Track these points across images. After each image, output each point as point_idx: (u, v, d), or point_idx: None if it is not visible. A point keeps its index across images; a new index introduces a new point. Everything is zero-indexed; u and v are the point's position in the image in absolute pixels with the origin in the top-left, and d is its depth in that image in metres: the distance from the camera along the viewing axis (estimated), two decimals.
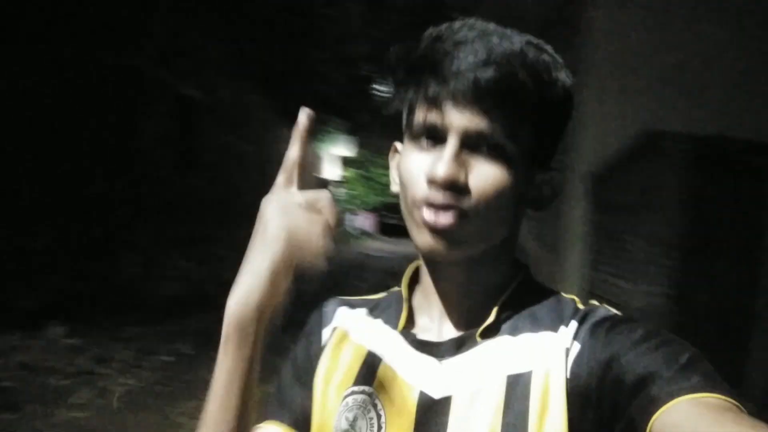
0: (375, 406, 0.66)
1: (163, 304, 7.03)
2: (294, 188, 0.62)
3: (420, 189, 0.62)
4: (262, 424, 0.72)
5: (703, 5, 4.28)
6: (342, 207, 24.36)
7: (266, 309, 0.58)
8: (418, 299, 0.73)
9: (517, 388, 0.61)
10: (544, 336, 0.64)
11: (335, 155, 23.23)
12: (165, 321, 6.40)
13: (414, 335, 0.70)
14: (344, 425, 0.67)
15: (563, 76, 0.64)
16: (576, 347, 0.61)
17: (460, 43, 0.60)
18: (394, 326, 0.72)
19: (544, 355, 0.62)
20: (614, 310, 0.65)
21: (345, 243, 19.08)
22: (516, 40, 0.61)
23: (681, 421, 0.48)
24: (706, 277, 3.23)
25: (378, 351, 0.71)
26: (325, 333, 0.77)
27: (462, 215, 0.61)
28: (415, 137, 0.65)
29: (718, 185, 3.24)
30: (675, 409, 0.49)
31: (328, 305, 0.81)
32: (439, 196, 0.60)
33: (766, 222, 3.33)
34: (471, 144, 0.61)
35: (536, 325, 0.65)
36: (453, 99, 0.60)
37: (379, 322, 0.74)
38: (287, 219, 0.59)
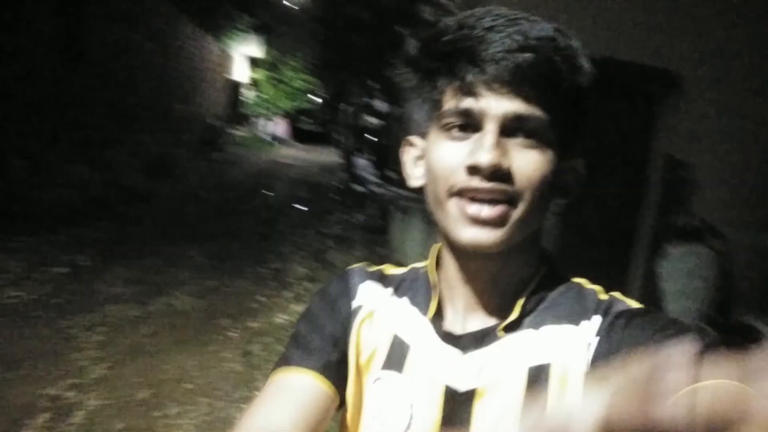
0: (406, 394, 0.67)
1: (56, 213, 6.61)
2: None
3: (458, 179, 0.61)
4: (283, 370, 0.69)
5: None
6: (254, 111, 23.41)
7: None
8: (441, 287, 0.72)
9: (538, 380, 0.62)
10: (566, 329, 0.64)
11: (244, 56, 22.04)
12: (58, 230, 6.04)
13: (442, 325, 0.69)
14: (376, 409, 0.68)
15: (587, 63, 0.63)
16: (597, 342, 0.62)
17: (491, 29, 0.59)
18: (422, 311, 0.71)
19: (565, 348, 0.63)
20: (635, 303, 0.66)
21: (258, 150, 18.55)
22: (546, 26, 0.60)
23: None
24: (592, 196, 3.42)
25: (406, 338, 0.70)
26: (353, 305, 0.75)
27: (508, 203, 0.60)
28: (446, 126, 0.63)
29: (611, 106, 3.36)
30: None
31: (353, 277, 0.77)
32: (483, 185, 0.59)
33: (653, 144, 3.53)
34: (508, 130, 0.60)
35: (558, 318, 0.65)
36: (490, 84, 0.59)
37: (405, 302, 0.73)
38: None
